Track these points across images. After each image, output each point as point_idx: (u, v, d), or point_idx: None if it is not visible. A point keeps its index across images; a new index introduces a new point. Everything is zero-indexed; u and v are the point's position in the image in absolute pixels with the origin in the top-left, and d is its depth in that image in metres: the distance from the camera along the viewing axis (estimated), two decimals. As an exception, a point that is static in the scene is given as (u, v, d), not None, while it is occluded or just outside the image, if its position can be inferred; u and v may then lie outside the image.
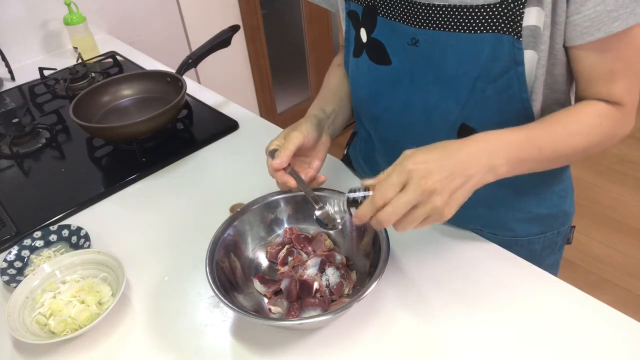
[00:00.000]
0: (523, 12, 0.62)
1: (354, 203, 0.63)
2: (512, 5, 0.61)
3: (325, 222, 0.74)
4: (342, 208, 0.65)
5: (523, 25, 0.63)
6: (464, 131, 0.73)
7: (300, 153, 0.76)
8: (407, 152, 0.61)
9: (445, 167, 0.58)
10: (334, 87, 0.90)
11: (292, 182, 0.73)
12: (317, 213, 0.74)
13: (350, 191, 0.64)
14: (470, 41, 0.66)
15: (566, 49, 0.67)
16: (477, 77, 0.67)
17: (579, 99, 0.73)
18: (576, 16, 0.62)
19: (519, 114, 0.70)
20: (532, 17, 0.63)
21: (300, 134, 0.74)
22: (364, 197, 0.62)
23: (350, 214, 0.64)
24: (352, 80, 0.85)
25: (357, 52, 0.80)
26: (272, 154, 0.74)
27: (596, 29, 0.61)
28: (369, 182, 0.63)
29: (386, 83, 0.77)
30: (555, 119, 0.68)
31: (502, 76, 0.67)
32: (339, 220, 0.74)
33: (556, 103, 0.75)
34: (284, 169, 0.74)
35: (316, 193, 0.76)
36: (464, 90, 0.69)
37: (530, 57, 0.66)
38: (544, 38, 0.64)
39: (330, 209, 0.70)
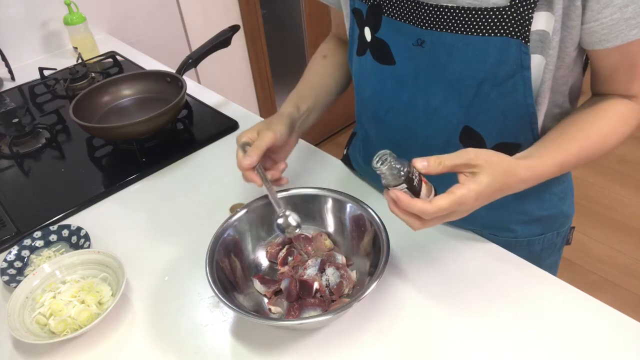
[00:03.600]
0: (532, 17, 0.61)
1: (407, 180, 0.59)
2: (521, 9, 0.61)
3: (284, 228, 0.76)
4: (395, 173, 0.59)
5: (531, 29, 0.62)
6: (467, 134, 0.73)
7: (268, 151, 0.78)
8: (473, 187, 0.59)
9: (486, 202, 0.62)
10: (312, 83, 0.91)
11: (258, 182, 0.75)
12: (279, 221, 0.76)
13: (403, 166, 0.59)
14: (477, 44, 0.65)
15: (586, 50, 0.68)
16: (483, 80, 0.67)
17: (596, 92, 0.74)
18: (593, 23, 0.62)
19: (523, 118, 0.70)
20: (542, 21, 0.62)
21: (273, 134, 0.77)
22: (419, 183, 0.60)
23: (386, 186, 0.61)
24: (355, 79, 0.85)
25: (361, 51, 0.79)
26: (242, 147, 0.77)
27: (614, 36, 0.62)
28: (420, 165, 0.60)
29: (390, 83, 0.77)
30: (585, 134, 0.69)
31: (507, 80, 0.66)
32: (297, 231, 0.76)
33: (555, 105, 0.75)
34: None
35: (310, 191, 0.80)
36: (468, 92, 0.69)
37: (537, 61, 0.66)
38: (553, 43, 0.64)
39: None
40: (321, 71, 0.92)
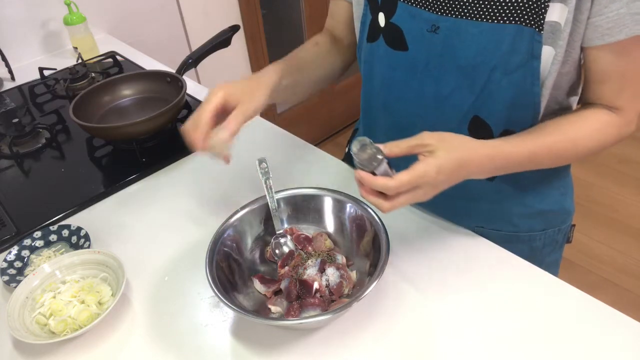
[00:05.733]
0: (548, 6, 0.62)
1: (365, 159, 0.62)
2: None
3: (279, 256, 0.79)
4: (354, 151, 0.63)
5: (546, 19, 0.63)
6: (475, 124, 0.74)
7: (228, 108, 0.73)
8: (432, 162, 0.61)
9: (452, 179, 0.63)
10: (299, 64, 0.87)
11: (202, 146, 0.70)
12: (276, 251, 0.79)
13: (363, 144, 0.63)
14: (492, 31, 0.66)
15: (583, 48, 0.68)
16: (494, 67, 0.68)
17: (583, 100, 0.74)
18: (598, 17, 0.62)
19: (528, 107, 0.71)
20: (555, 12, 0.63)
21: (254, 110, 0.73)
22: (379, 161, 0.61)
23: (354, 165, 0.63)
24: (365, 67, 0.84)
25: (372, 37, 0.79)
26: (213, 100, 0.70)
27: (618, 30, 0.62)
28: (384, 147, 0.62)
29: (401, 69, 0.77)
30: (561, 130, 0.70)
31: (518, 69, 0.67)
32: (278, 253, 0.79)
33: (555, 102, 0.75)
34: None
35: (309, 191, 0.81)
36: (479, 80, 0.70)
37: (546, 52, 0.66)
38: (564, 35, 0.64)
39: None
40: (310, 57, 0.90)
